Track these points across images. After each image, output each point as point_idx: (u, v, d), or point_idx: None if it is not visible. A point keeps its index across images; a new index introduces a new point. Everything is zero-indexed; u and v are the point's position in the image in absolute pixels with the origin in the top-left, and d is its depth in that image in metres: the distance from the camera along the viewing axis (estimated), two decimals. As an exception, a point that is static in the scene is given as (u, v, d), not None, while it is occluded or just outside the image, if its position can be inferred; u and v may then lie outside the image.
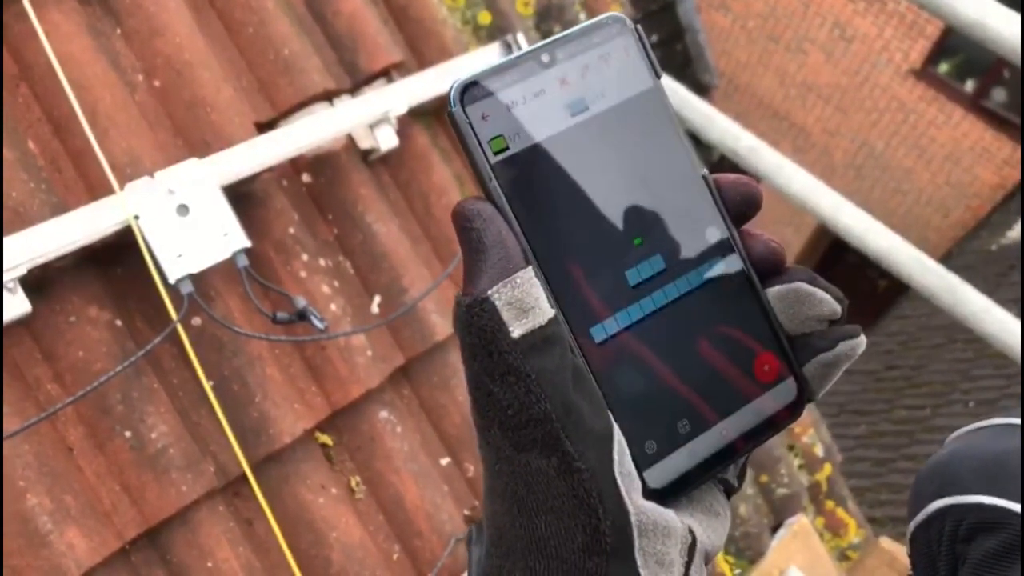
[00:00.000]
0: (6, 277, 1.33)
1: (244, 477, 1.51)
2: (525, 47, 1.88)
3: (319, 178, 1.74)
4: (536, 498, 0.39)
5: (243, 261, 1.49)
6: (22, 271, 1.34)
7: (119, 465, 1.44)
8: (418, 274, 1.77)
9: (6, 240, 1.34)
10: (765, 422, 0.44)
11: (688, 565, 0.40)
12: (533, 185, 0.41)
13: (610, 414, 0.40)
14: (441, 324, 1.77)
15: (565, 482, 0.38)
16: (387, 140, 1.74)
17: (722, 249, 0.44)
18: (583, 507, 0.38)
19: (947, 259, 7.56)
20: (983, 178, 8.29)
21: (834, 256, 9.15)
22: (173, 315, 1.44)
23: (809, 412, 2.44)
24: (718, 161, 7.37)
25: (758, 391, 0.44)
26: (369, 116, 1.70)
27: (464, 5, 2.01)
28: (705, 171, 0.44)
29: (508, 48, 1.90)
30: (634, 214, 0.42)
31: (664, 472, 0.41)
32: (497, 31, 1.99)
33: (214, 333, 1.54)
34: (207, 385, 1.49)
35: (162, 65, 1.59)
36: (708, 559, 0.42)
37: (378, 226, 1.75)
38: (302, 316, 1.53)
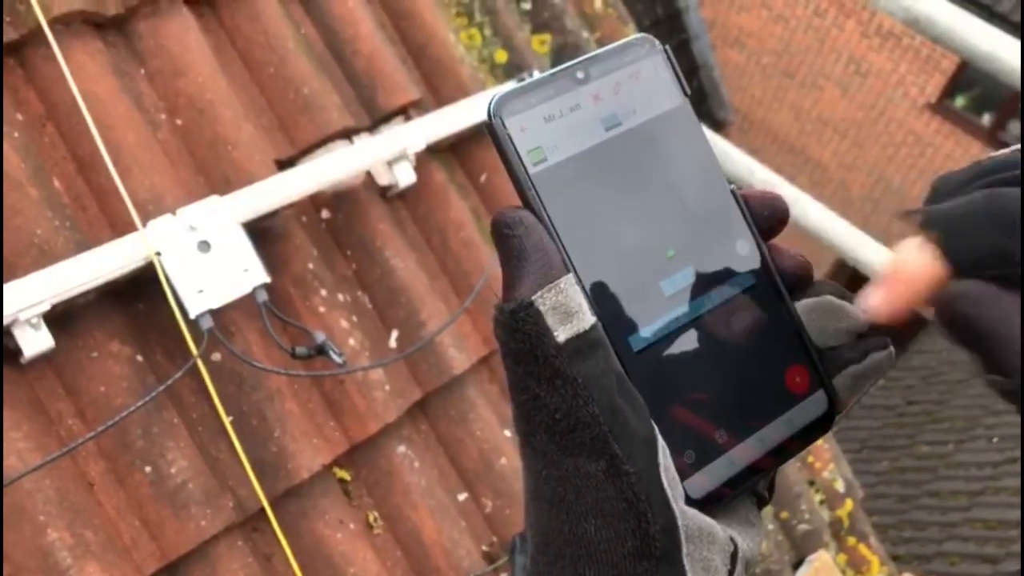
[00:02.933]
0: (30, 313, 1.35)
1: (263, 512, 1.52)
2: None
3: (338, 214, 1.76)
4: (585, 502, 0.39)
5: (263, 296, 1.51)
6: (46, 307, 1.36)
7: (139, 500, 1.44)
8: (435, 308, 1.78)
9: (31, 277, 1.36)
10: (797, 434, 0.44)
11: (731, 573, 0.40)
12: (570, 196, 0.42)
13: (652, 421, 0.40)
14: (458, 358, 1.77)
15: (614, 485, 0.38)
16: (405, 176, 1.76)
17: (752, 262, 0.44)
18: (633, 511, 0.38)
19: (967, 293, 7.49)
20: (1002, 211, 8.26)
21: (853, 290, 9.09)
22: (193, 350, 1.45)
23: (830, 447, 2.41)
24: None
25: (790, 403, 0.44)
26: (387, 153, 1.72)
27: (481, 44, 2.04)
28: (733, 186, 0.45)
29: (524, 85, 1.92)
30: (667, 226, 0.43)
31: (703, 482, 0.42)
32: (514, 69, 2.01)
33: (233, 368, 1.55)
34: (226, 420, 1.50)
35: (184, 104, 1.62)
36: (747, 568, 0.42)
37: (396, 261, 1.76)
38: (321, 351, 1.54)
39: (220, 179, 1.60)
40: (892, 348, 0.44)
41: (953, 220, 0.38)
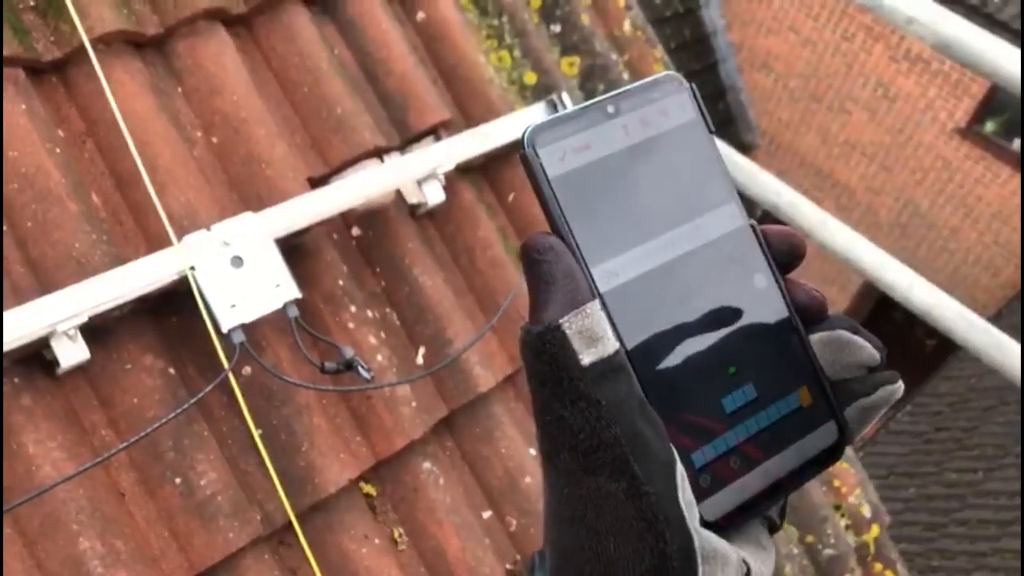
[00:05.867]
0: (67, 325, 1.37)
1: (290, 526, 1.53)
2: (570, 106, 1.92)
3: (368, 232, 1.78)
4: (605, 520, 0.40)
5: (294, 312, 1.53)
6: (83, 319, 1.39)
7: (168, 511, 1.46)
8: (462, 326, 1.79)
9: (69, 290, 1.38)
10: (807, 463, 0.46)
11: None
12: (598, 228, 0.44)
13: (671, 445, 0.41)
14: (484, 376, 1.78)
15: (634, 505, 0.40)
16: (434, 195, 1.78)
17: (769, 295, 0.46)
18: (651, 530, 0.39)
19: (997, 319, 7.42)
20: (1033, 237, 8.17)
21: (880, 315, 9.03)
22: (225, 364, 1.47)
23: (856, 471, 2.40)
24: (761, 217, 7.36)
25: (802, 432, 0.45)
26: (417, 172, 1.75)
27: (511, 65, 2.06)
28: (753, 222, 0.47)
29: (553, 107, 1.94)
30: (688, 254, 0.45)
31: (717, 505, 0.43)
32: (542, 90, 2.03)
33: (263, 382, 1.57)
34: (256, 434, 1.52)
35: (220, 122, 1.65)
36: None
37: (424, 279, 1.78)
38: (349, 366, 1.56)
39: (254, 196, 1.63)
40: (901, 382, 0.46)
41: None
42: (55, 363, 1.38)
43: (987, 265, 8.66)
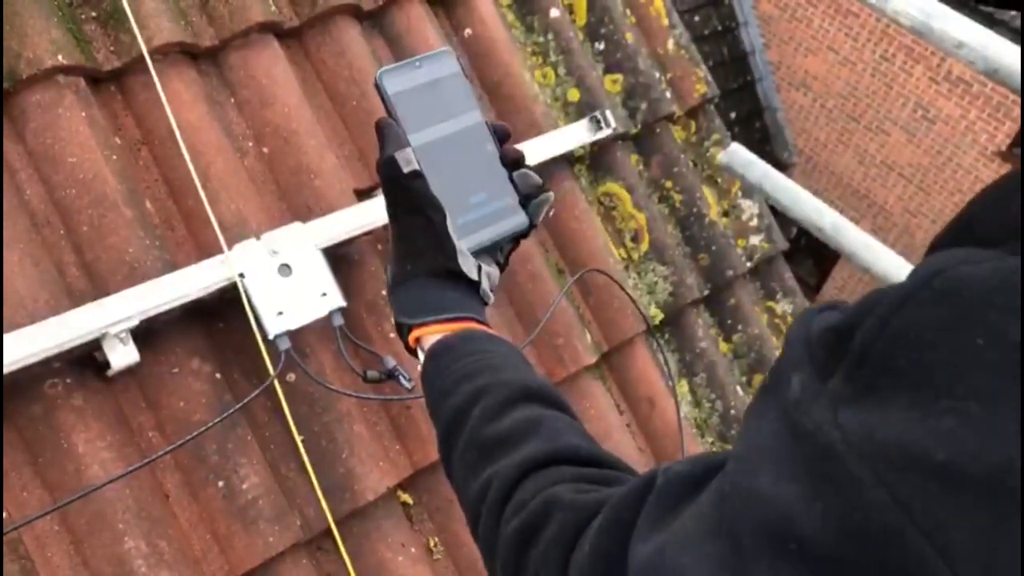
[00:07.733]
0: (119, 328, 1.41)
1: (328, 531, 1.55)
2: (613, 124, 1.92)
3: (411, 243, 1.80)
4: (417, 236, 0.87)
5: (339, 320, 1.55)
6: (134, 323, 1.42)
7: (211, 513, 1.49)
8: (502, 339, 1.80)
9: (122, 294, 1.42)
10: (514, 232, 0.92)
11: (479, 274, 0.89)
12: (412, 114, 0.89)
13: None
14: (523, 390, 1.79)
15: (429, 227, 0.86)
16: (477, 209, 1.80)
17: (493, 154, 0.92)
18: (437, 236, 0.86)
19: (1035, 345, 7.30)
20: (1073, 263, 8.05)
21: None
22: (271, 370, 1.50)
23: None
24: (796, 235, 7.30)
25: (509, 216, 0.91)
26: (461, 186, 1.76)
27: (554, 82, 2.08)
28: (486, 119, 0.92)
29: (597, 124, 1.96)
30: (455, 133, 0.90)
31: (468, 244, 0.89)
32: (586, 107, 2.05)
33: (306, 389, 1.59)
34: (298, 440, 1.54)
35: (271, 133, 1.68)
36: (490, 280, 0.91)
37: (465, 291, 1.79)
38: (391, 375, 1.58)
39: (302, 206, 1.66)
40: (552, 192, 0.95)
41: None
42: (106, 365, 1.42)
43: (1026, 290, 8.53)
